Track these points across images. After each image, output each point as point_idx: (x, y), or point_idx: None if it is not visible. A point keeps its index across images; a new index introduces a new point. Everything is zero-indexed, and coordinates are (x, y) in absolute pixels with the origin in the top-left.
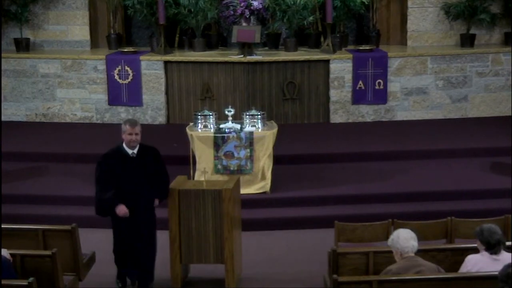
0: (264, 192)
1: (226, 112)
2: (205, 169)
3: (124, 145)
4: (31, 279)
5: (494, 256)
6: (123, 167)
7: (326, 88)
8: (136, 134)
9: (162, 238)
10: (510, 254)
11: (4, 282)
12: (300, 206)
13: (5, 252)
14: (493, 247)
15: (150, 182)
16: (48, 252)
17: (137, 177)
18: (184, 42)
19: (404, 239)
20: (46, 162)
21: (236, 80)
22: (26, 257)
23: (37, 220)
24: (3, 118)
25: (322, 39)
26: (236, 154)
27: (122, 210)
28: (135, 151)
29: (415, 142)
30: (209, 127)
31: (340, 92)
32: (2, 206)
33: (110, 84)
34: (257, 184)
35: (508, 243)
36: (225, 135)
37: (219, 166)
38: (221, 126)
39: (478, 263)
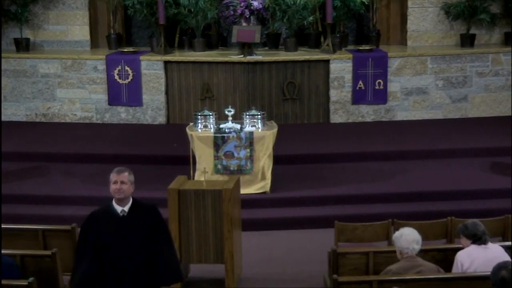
0: (264, 192)
1: (226, 112)
2: (205, 169)
3: (114, 202)
4: (31, 279)
5: (483, 246)
6: (109, 230)
7: (326, 88)
8: (123, 182)
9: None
10: (497, 244)
11: (4, 282)
12: (300, 206)
13: None
14: (480, 238)
15: (144, 253)
16: (48, 252)
17: (126, 245)
18: (184, 42)
19: (406, 240)
20: (46, 162)
21: (236, 80)
22: (26, 257)
23: (37, 220)
24: (3, 118)
25: (322, 39)
26: (236, 154)
27: None
28: (126, 208)
29: (415, 142)
30: (209, 127)
31: (340, 92)
32: (2, 206)
33: (110, 84)
34: (257, 184)
35: (507, 243)
36: (225, 135)
37: (219, 166)
38: (221, 126)
39: (471, 255)
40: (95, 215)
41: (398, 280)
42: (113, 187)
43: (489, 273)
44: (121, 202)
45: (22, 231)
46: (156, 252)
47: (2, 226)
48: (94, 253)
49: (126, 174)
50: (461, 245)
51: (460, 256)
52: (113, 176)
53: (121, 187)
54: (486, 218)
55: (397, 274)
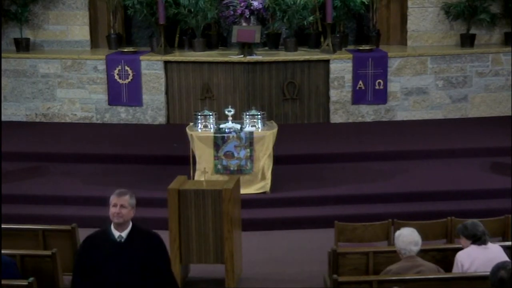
0: (264, 192)
1: (226, 112)
2: (205, 169)
3: (112, 226)
4: (31, 279)
5: (483, 246)
6: (106, 256)
7: (326, 88)
8: (123, 206)
9: (162, 238)
10: (496, 244)
11: (4, 282)
12: (300, 206)
13: None
14: (479, 238)
15: (141, 283)
16: (48, 252)
17: (121, 273)
18: (184, 42)
19: (403, 241)
20: (46, 162)
21: (236, 80)
22: (26, 257)
23: (37, 220)
24: (3, 118)
25: (322, 39)
26: (236, 154)
27: None
28: (124, 234)
29: (415, 142)
30: (209, 127)
31: (340, 92)
32: (2, 206)
33: (110, 84)
34: (257, 184)
35: (507, 243)
36: (225, 135)
37: (219, 166)
38: (221, 126)
39: (471, 255)
40: (91, 239)
41: (398, 280)
42: (112, 210)
43: (489, 273)
44: (119, 226)
45: (22, 231)
46: (155, 284)
47: (2, 226)
48: (89, 279)
49: (127, 197)
50: (461, 245)
51: (460, 257)
52: (113, 199)
53: (121, 211)
54: (486, 218)
55: (397, 274)
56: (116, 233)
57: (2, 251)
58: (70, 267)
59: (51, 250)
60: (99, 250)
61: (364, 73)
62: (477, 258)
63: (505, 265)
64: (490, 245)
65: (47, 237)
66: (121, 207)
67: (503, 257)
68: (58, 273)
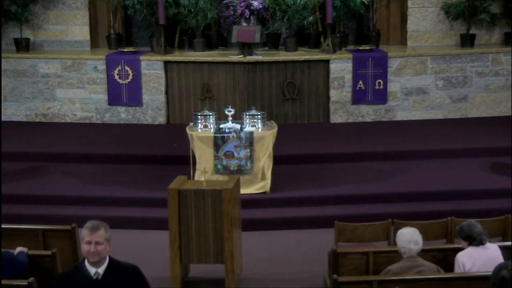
0: (264, 192)
1: (226, 112)
2: (205, 169)
3: (86, 262)
4: (31, 279)
5: (481, 246)
6: None
7: (326, 88)
8: (98, 243)
9: (162, 238)
10: (495, 244)
11: (4, 282)
12: (300, 206)
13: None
14: (475, 239)
15: None
16: (48, 252)
17: None
18: (184, 42)
19: (403, 241)
20: (46, 162)
21: (236, 80)
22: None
23: (37, 220)
24: (3, 118)
25: (322, 39)
26: (236, 154)
27: None
28: (101, 270)
29: (415, 142)
30: (209, 127)
31: (340, 92)
32: (2, 206)
33: (110, 84)
34: (257, 184)
35: (507, 243)
36: (225, 135)
37: (219, 166)
38: (221, 126)
39: (472, 256)
40: (64, 278)
41: (398, 280)
42: (85, 248)
43: (490, 273)
44: (95, 263)
45: (22, 231)
46: None
47: (2, 226)
48: None
49: (101, 232)
50: (460, 245)
51: (461, 257)
52: (85, 235)
53: (97, 248)
54: (486, 218)
55: (397, 274)
56: (92, 270)
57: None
58: (70, 266)
59: (51, 250)
60: None
61: (364, 73)
62: (478, 259)
63: (507, 265)
64: (489, 245)
65: (47, 237)
66: (96, 244)
67: (501, 257)
68: (58, 273)
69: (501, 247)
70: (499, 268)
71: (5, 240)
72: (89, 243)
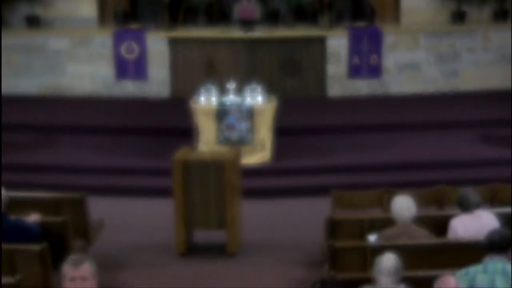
0: (264, 162)
1: (228, 87)
2: (208, 141)
3: None
4: (43, 244)
5: (474, 214)
6: None
7: (323, 64)
8: (84, 278)
9: (167, 205)
10: (489, 213)
11: (19, 246)
12: (298, 175)
13: (36, 217)
14: (468, 207)
15: None
16: (59, 219)
17: None
18: (187, 19)
19: (396, 208)
20: (57, 134)
21: (237, 56)
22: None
23: (48, 188)
24: (16, 92)
25: (319, 16)
26: (237, 126)
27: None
28: None
29: (407, 114)
30: (211, 100)
31: (336, 67)
32: (16, 175)
33: (117, 59)
34: (257, 155)
35: (497, 210)
36: (227, 108)
37: (221, 138)
38: (223, 99)
39: (465, 222)
40: None
41: (392, 246)
42: (69, 286)
43: (479, 240)
44: None
45: (35, 199)
46: None
47: (16, 195)
48: None
49: (86, 265)
50: (451, 212)
51: (454, 223)
52: (68, 271)
53: (83, 285)
54: (475, 186)
55: (390, 240)
56: None
57: (17, 217)
58: (80, 233)
59: (62, 217)
60: None
61: (360, 49)
62: (470, 225)
63: (497, 231)
64: (482, 213)
65: (58, 204)
66: (82, 280)
67: (495, 224)
68: (69, 239)
69: (493, 215)
70: (491, 233)
71: (18, 208)
72: (73, 279)
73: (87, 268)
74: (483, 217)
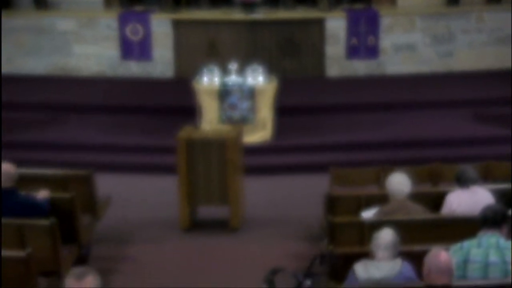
0: (265, 141)
1: (230, 67)
2: (210, 120)
3: None
4: (52, 219)
5: (468, 190)
6: None
7: (322, 45)
8: None
9: (171, 182)
10: (484, 189)
11: (29, 221)
12: (298, 153)
13: (45, 193)
14: (463, 182)
15: None
16: (67, 195)
17: None
18: (190, 1)
19: (396, 183)
20: (64, 113)
21: (239, 38)
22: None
23: (56, 165)
24: (25, 72)
25: None
26: (239, 106)
27: None
28: None
29: (404, 94)
30: (214, 81)
31: (335, 48)
32: (24, 153)
33: (122, 40)
34: (259, 133)
35: (491, 187)
36: (229, 88)
37: (224, 117)
38: (225, 80)
39: (460, 197)
40: None
41: (388, 221)
42: None
43: (474, 215)
44: None
45: (44, 176)
46: None
47: (27, 172)
48: None
49: (90, 278)
50: (445, 189)
51: (450, 197)
52: (72, 283)
53: None
54: (468, 163)
55: (387, 215)
56: None
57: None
58: (88, 208)
59: (70, 193)
60: None
61: (358, 31)
62: (464, 200)
63: (491, 206)
64: (477, 189)
65: (66, 181)
66: None
67: (489, 201)
68: (77, 214)
69: (488, 192)
70: (485, 208)
71: (27, 184)
72: None
73: (91, 281)
74: (478, 193)
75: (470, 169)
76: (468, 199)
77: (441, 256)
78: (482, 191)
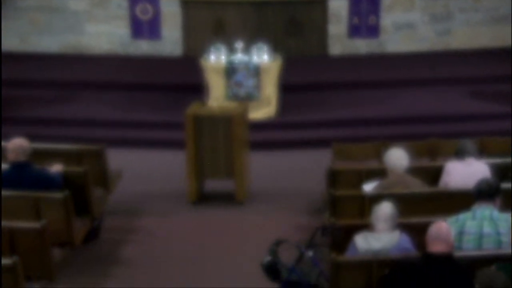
0: (270, 117)
1: (236, 46)
2: (217, 97)
3: None
4: (66, 192)
5: (465, 162)
6: None
7: (325, 24)
8: None
9: (180, 157)
10: (480, 162)
11: (43, 194)
12: (302, 129)
13: (59, 167)
14: (461, 154)
15: None
16: (80, 169)
17: None
18: None
19: (395, 158)
20: (77, 90)
21: (245, 17)
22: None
23: (69, 140)
24: (39, 50)
25: None
26: (245, 83)
27: None
28: None
29: (403, 71)
30: (221, 59)
31: (337, 27)
32: (39, 129)
33: (132, 20)
34: (264, 110)
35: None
36: (235, 66)
37: (230, 94)
38: (232, 58)
39: (455, 167)
40: None
41: (387, 194)
42: None
43: (469, 188)
44: None
45: (58, 151)
46: None
47: (41, 146)
48: None
49: None
50: (443, 163)
51: (448, 166)
52: None
53: None
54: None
55: (386, 189)
56: None
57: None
58: (100, 182)
59: (83, 167)
60: None
61: (359, 10)
62: (460, 171)
63: (486, 180)
64: (473, 161)
65: (79, 156)
66: None
67: (485, 173)
68: (89, 187)
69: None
70: (479, 182)
71: (42, 158)
72: None
73: None
74: (473, 165)
75: (468, 143)
76: (465, 169)
77: (442, 225)
78: (477, 164)
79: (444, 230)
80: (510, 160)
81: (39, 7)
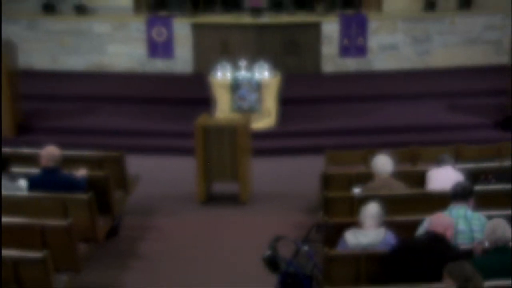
0: (270, 127)
1: (240, 64)
2: (223, 109)
3: None
4: (90, 194)
5: (442, 169)
6: None
7: (318, 45)
8: None
9: (190, 163)
10: (454, 169)
11: (70, 196)
12: (299, 137)
13: (84, 172)
14: (440, 163)
15: None
16: (102, 173)
17: None
18: (207, 8)
19: (380, 164)
20: (100, 103)
21: (247, 38)
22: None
23: (93, 148)
24: (67, 68)
25: (316, 5)
26: (248, 97)
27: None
28: None
29: (388, 87)
30: (226, 75)
31: (329, 48)
32: (67, 138)
33: (149, 41)
34: (264, 120)
35: (460, 166)
36: (239, 82)
37: (235, 107)
38: (236, 75)
39: (436, 173)
40: None
41: (374, 196)
42: None
43: (446, 191)
44: None
45: (83, 157)
46: None
47: (68, 153)
48: None
49: None
50: (423, 168)
51: (430, 174)
52: None
53: None
54: (443, 146)
55: (373, 191)
56: None
57: (67, 172)
58: (120, 185)
59: (105, 172)
60: None
61: (349, 33)
62: (438, 176)
63: (460, 183)
64: (449, 169)
65: (101, 161)
66: None
67: (458, 177)
68: (111, 190)
69: (460, 170)
70: (455, 185)
71: (68, 164)
72: None
73: None
74: (449, 171)
75: (447, 156)
76: (442, 175)
77: (445, 218)
78: (452, 170)
79: (446, 220)
80: (482, 165)
81: (68, 31)
